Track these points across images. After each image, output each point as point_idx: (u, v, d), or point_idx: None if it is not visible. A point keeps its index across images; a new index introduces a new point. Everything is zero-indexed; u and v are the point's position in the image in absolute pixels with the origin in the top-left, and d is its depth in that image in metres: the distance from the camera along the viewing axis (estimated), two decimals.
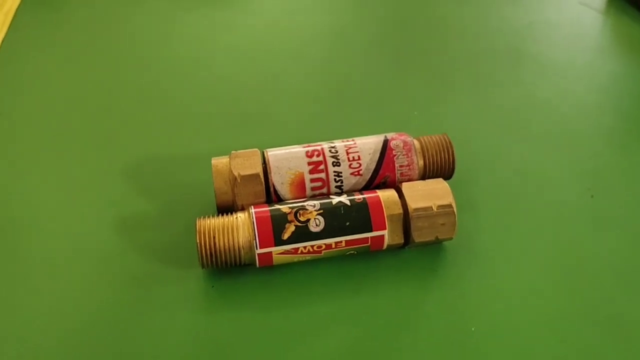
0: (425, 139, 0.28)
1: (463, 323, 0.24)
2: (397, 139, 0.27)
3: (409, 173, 0.27)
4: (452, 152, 0.28)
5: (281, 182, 0.26)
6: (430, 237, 0.25)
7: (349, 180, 0.26)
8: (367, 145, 0.27)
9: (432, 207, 0.25)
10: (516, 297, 0.26)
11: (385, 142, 0.27)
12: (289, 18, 0.44)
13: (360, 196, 0.25)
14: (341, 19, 0.44)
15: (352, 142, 0.27)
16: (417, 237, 0.25)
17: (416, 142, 0.28)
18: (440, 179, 0.26)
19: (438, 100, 0.36)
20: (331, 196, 0.25)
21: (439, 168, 0.28)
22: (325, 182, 0.26)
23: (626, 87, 0.38)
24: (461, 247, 0.27)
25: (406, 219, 0.25)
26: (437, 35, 0.42)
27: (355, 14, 0.44)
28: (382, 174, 0.27)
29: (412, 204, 0.25)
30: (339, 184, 0.26)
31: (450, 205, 0.25)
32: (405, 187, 0.25)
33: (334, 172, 0.26)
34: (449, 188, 0.26)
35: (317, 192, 0.26)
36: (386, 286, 0.26)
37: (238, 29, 0.43)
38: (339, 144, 0.27)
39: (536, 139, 0.34)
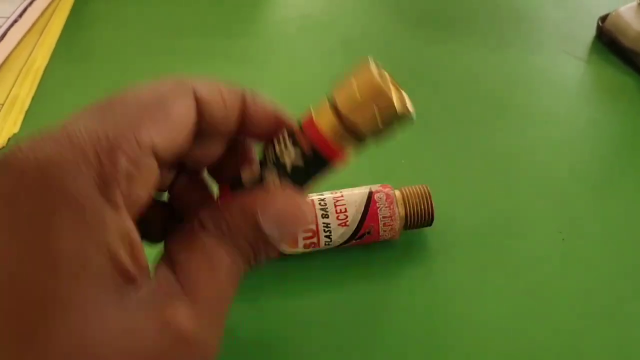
0: (407, 190, 0.31)
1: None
2: (380, 192, 0.30)
3: (391, 223, 0.30)
4: (431, 202, 0.31)
5: None
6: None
7: (336, 231, 0.29)
8: (353, 197, 0.30)
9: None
10: (490, 333, 0.28)
11: (370, 195, 0.30)
12: (291, 71, 0.48)
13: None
14: (336, 70, 0.47)
15: (339, 195, 0.30)
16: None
17: (398, 193, 0.31)
18: None
19: (424, 149, 0.39)
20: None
21: (419, 216, 0.31)
22: (315, 233, 0.29)
23: (605, 134, 0.41)
24: (438, 287, 0.30)
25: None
26: (425, 84, 0.46)
27: (349, 65, 0.48)
28: (367, 224, 0.30)
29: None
30: (327, 233, 0.29)
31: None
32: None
33: (323, 223, 0.29)
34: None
35: (309, 241, 0.29)
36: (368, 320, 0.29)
37: (247, 81, 0.46)
38: (327, 196, 0.30)
39: (514, 185, 0.37)
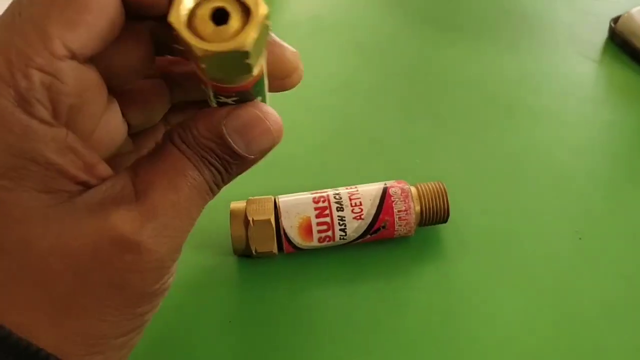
0: (422, 186, 0.31)
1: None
2: (395, 187, 0.30)
3: (407, 217, 0.30)
4: (447, 199, 0.30)
5: (290, 225, 0.29)
6: None
7: (351, 224, 0.29)
8: (368, 192, 0.30)
9: None
10: (505, 331, 0.28)
11: (385, 190, 0.30)
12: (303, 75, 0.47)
13: None
14: (349, 72, 0.47)
15: (354, 189, 0.30)
16: None
17: (413, 189, 0.31)
18: None
19: (438, 148, 0.39)
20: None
21: (435, 213, 0.30)
22: (330, 226, 0.29)
23: (619, 135, 0.41)
24: (453, 284, 0.30)
25: None
26: (439, 85, 0.45)
27: (362, 67, 0.48)
28: (382, 218, 0.29)
29: None
30: (342, 227, 0.29)
31: None
32: None
33: (338, 216, 0.29)
34: None
35: (323, 234, 0.29)
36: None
37: None
38: (343, 191, 0.30)
39: (529, 184, 0.36)
